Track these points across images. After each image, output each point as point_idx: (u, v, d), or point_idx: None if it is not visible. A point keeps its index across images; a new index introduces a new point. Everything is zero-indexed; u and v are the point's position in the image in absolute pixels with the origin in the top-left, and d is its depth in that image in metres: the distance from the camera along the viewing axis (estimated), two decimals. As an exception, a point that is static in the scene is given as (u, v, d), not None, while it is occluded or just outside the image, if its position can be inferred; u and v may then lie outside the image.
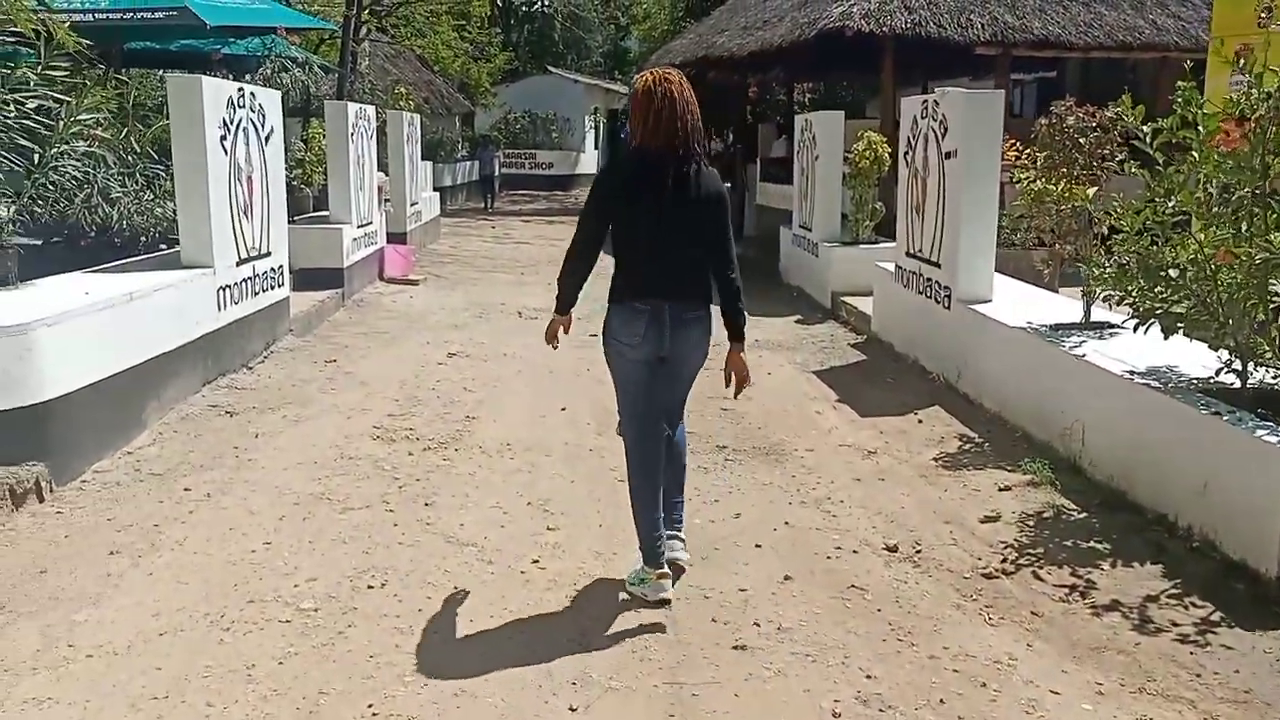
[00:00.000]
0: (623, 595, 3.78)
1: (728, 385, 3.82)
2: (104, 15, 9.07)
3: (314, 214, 11.51)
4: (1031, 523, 4.55)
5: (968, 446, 5.69)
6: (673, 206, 3.59)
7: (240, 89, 7.30)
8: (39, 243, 8.92)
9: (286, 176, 11.67)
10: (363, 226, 11.23)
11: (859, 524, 4.56)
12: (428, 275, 12.84)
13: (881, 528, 4.52)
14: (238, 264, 7.13)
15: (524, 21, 43.89)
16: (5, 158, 5.46)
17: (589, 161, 35.71)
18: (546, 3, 38.38)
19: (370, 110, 11.99)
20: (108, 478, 4.89)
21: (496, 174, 26.53)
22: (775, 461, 5.45)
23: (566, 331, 3.95)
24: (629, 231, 3.66)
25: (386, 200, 13.70)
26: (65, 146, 5.79)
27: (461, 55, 29.92)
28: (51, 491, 4.60)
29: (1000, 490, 4.96)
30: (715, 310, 3.76)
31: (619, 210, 3.67)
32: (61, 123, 5.80)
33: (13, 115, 5.58)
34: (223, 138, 6.86)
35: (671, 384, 3.83)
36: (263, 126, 7.69)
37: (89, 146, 5.93)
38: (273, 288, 7.89)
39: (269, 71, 10.62)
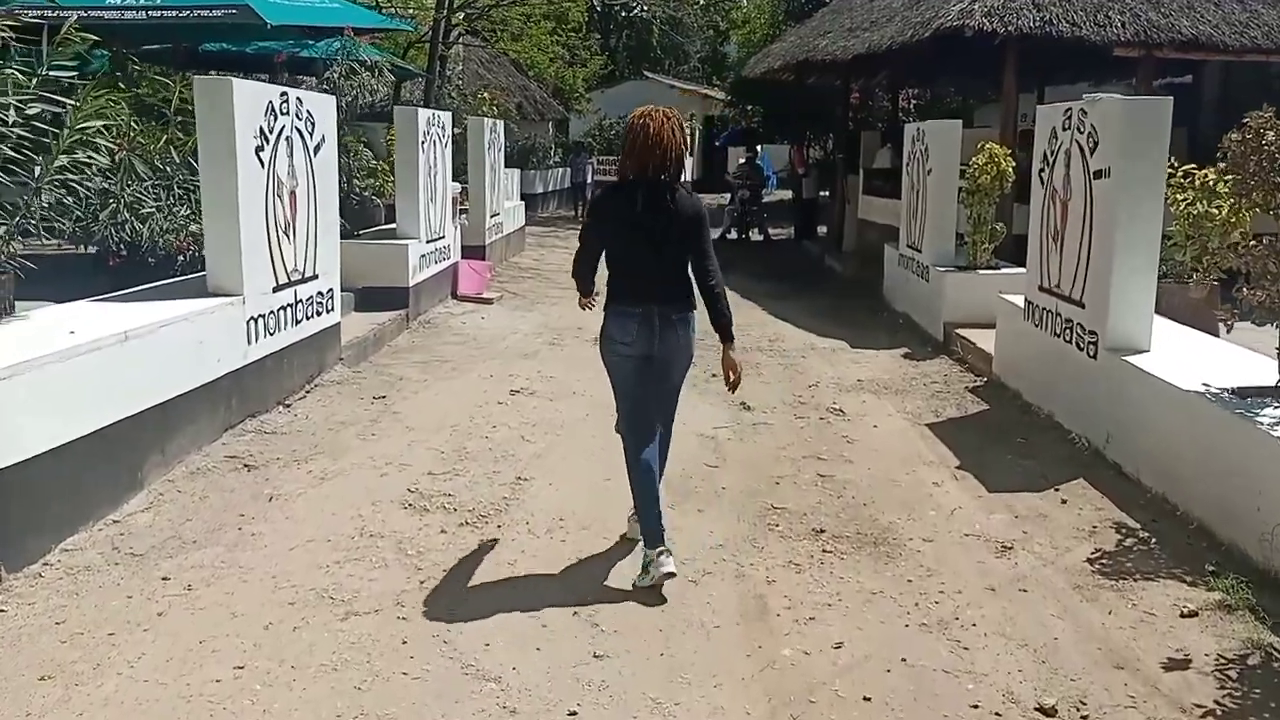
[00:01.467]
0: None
1: (727, 383, 4.19)
2: (158, 13, 8.45)
3: (383, 226, 10.79)
4: (1233, 673, 3.43)
5: (1130, 542, 4.56)
6: (657, 225, 4.03)
7: (284, 93, 6.53)
8: (94, 251, 8.32)
9: (359, 187, 11.02)
10: (433, 241, 10.44)
11: (999, 664, 3.50)
12: (504, 292, 12.03)
13: (1030, 671, 3.45)
14: (274, 290, 6.34)
15: (622, 27, 43.10)
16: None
17: (686, 169, 34.72)
18: (645, 7, 37.54)
19: (445, 116, 11.20)
20: (76, 559, 4.08)
21: (589, 181, 25.79)
22: (885, 557, 4.40)
23: (591, 308, 4.37)
24: (621, 248, 4.13)
25: (463, 212, 12.95)
26: (64, 159, 5.03)
27: (556, 60, 29.24)
28: (0, 581, 3.82)
29: (1183, 616, 3.83)
30: (699, 314, 4.13)
31: (612, 229, 4.15)
32: (65, 130, 5.06)
33: (9, 123, 4.85)
34: (259, 148, 6.08)
35: (661, 388, 4.20)
36: (311, 135, 6.91)
37: (86, 155, 5.15)
38: (318, 314, 7.09)
39: (336, 75, 9.89)
